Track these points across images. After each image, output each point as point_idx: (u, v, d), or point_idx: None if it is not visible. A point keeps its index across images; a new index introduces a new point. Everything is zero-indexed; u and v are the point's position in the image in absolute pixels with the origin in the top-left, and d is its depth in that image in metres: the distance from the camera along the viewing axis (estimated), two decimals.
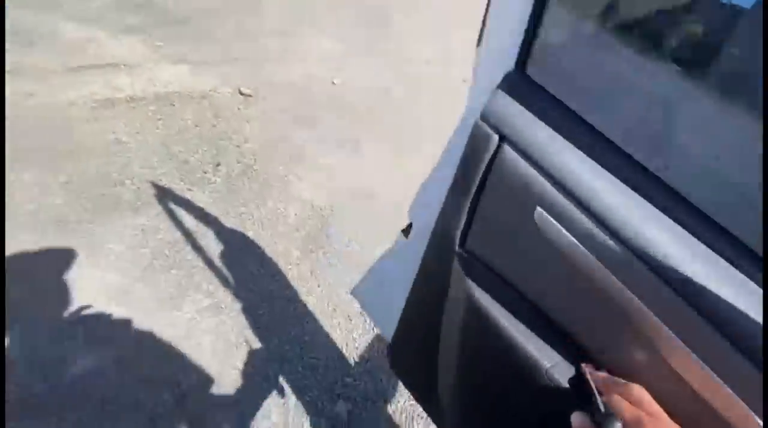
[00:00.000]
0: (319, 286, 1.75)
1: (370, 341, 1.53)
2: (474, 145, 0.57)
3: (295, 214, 2.04)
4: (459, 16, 4.61)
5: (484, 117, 0.55)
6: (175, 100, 2.52)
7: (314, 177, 2.27)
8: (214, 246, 1.81)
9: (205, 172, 2.14)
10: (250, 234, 1.91)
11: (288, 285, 1.75)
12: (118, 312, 1.54)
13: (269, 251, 1.84)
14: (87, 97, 2.35)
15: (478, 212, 0.59)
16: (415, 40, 3.99)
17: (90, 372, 1.37)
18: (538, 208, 0.49)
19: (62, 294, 1.54)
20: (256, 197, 2.08)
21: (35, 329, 1.43)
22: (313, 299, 1.69)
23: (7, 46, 2.51)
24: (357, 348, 1.51)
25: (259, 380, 1.42)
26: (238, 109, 2.63)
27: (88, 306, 1.53)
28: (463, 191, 0.59)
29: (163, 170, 2.08)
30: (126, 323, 1.52)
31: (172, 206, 1.92)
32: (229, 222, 1.94)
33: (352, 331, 1.56)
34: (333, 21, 3.91)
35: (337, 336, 1.55)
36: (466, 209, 0.59)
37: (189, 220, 1.89)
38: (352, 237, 1.99)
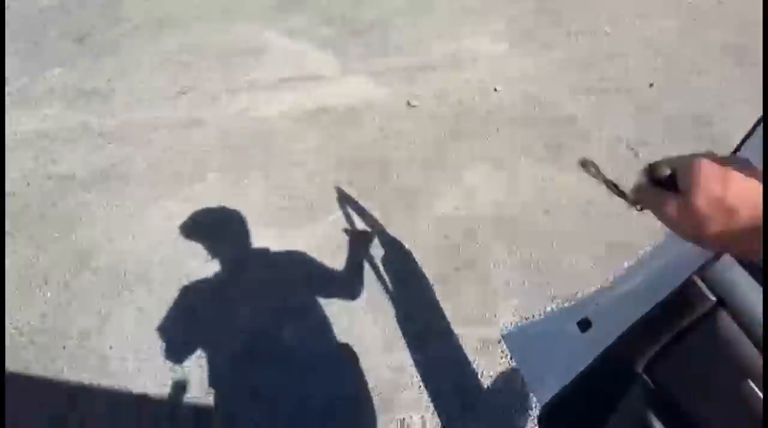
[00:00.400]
0: (455, 307, 1.95)
1: (500, 372, 1.69)
2: (685, 298, 0.59)
3: (442, 232, 2.24)
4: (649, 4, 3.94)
5: (703, 275, 0.57)
6: (355, 111, 2.93)
7: (464, 194, 2.43)
8: (376, 252, 2.16)
9: (372, 182, 2.50)
10: (406, 245, 2.20)
11: (429, 301, 1.99)
12: (311, 295, 2.02)
13: (419, 264, 2.11)
14: (291, 108, 2.93)
15: (675, 354, 0.62)
16: (593, 39, 3.62)
17: (293, 336, 1.89)
18: (750, 382, 0.51)
19: (277, 272, 2.09)
20: (410, 210, 2.35)
21: (257, 306, 2.01)
22: (446, 320, 1.91)
23: (235, 60, 3.23)
24: (491, 376, 1.68)
25: (400, 387, 1.73)
26: (405, 120, 2.91)
27: (292, 286, 2.05)
28: (661, 329, 0.63)
29: (343, 177, 2.51)
30: (313, 304, 1.99)
31: (348, 211, 2.33)
32: (391, 230, 2.26)
33: (483, 357, 1.74)
34: (504, 22, 3.81)
35: (469, 361, 1.75)
36: (660, 345, 0.63)
37: (359, 226, 2.27)
38: (490, 260, 2.11)
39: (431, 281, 2.04)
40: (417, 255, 2.14)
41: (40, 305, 1.90)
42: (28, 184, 2.23)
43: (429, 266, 2.09)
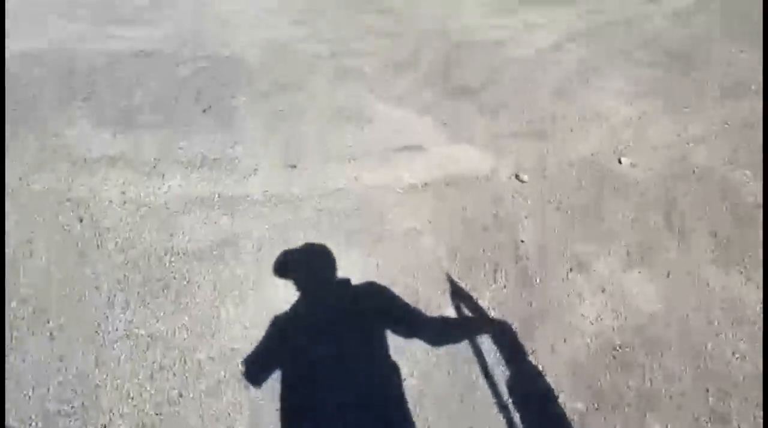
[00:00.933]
0: None
1: None
2: None
3: (578, 350, 1.92)
4: None
5: None
6: (459, 186, 2.75)
7: (600, 300, 2.09)
8: (496, 368, 1.87)
9: (485, 274, 2.26)
10: (530, 359, 1.91)
11: None
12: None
13: (552, 392, 1.80)
14: (394, 181, 2.82)
15: None
16: (743, 100, 3.14)
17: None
18: None
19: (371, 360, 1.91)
20: (534, 314, 2.07)
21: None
22: None
23: (340, 128, 3.18)
24: None
25: None
26: (513, 196, 2.67)
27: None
28: None
29: (450, 266, 2.31)
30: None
31: (461, 306, 2.11)
32: (510, 338, 1.99)
33: None
34: (628, 79, 3.47)
35: None
36: None
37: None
38: (643, 398, 1.73)
39: (564, 420, 1.71)
40: (546, 376, 1.83)
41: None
42: (148, 258, 2.32)
43: (560, 397, 1.78)
